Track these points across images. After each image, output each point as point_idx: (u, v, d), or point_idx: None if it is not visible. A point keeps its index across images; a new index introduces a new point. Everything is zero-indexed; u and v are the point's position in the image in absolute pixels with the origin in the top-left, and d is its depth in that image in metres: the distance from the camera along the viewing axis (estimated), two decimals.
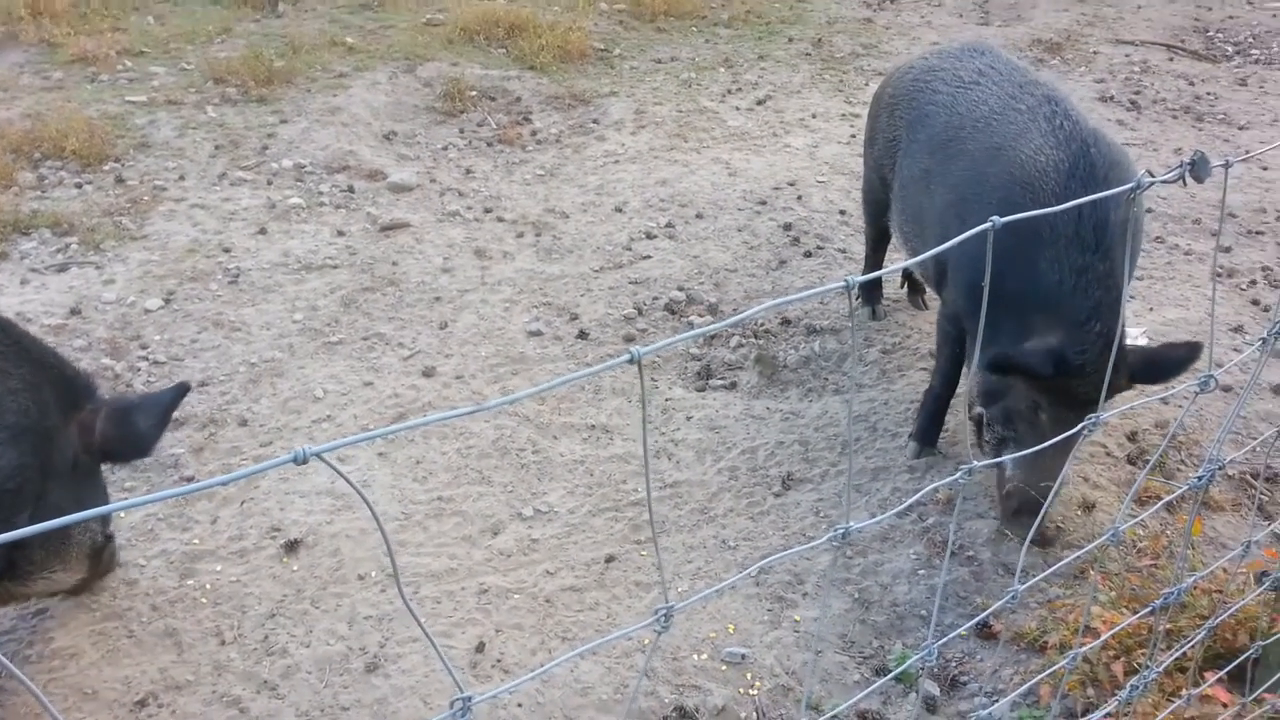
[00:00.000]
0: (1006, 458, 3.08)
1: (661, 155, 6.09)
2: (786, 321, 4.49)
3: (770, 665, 2.88)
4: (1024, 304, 3.01)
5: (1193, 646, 2.22)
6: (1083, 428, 1.70)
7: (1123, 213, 2.99)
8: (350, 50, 7.15)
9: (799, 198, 5.64)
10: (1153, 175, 1.67)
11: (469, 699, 1.16)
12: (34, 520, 2.42)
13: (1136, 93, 7.33)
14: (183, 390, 2.83)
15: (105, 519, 2.85)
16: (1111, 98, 7.24)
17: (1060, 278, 2.96)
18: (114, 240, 4.85)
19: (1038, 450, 2.99)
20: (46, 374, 2.56)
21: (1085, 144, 3.10)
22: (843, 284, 1.38)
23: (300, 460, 0.96)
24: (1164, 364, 2.98)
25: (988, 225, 1.45)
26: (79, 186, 5.29)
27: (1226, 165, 1.73)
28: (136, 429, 2.66)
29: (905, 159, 3.72)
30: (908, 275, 4.53)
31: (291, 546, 3.22)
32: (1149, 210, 5.53)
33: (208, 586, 3.07)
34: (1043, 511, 2.05)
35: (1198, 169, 1.70)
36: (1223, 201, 1.56)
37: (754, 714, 2.74)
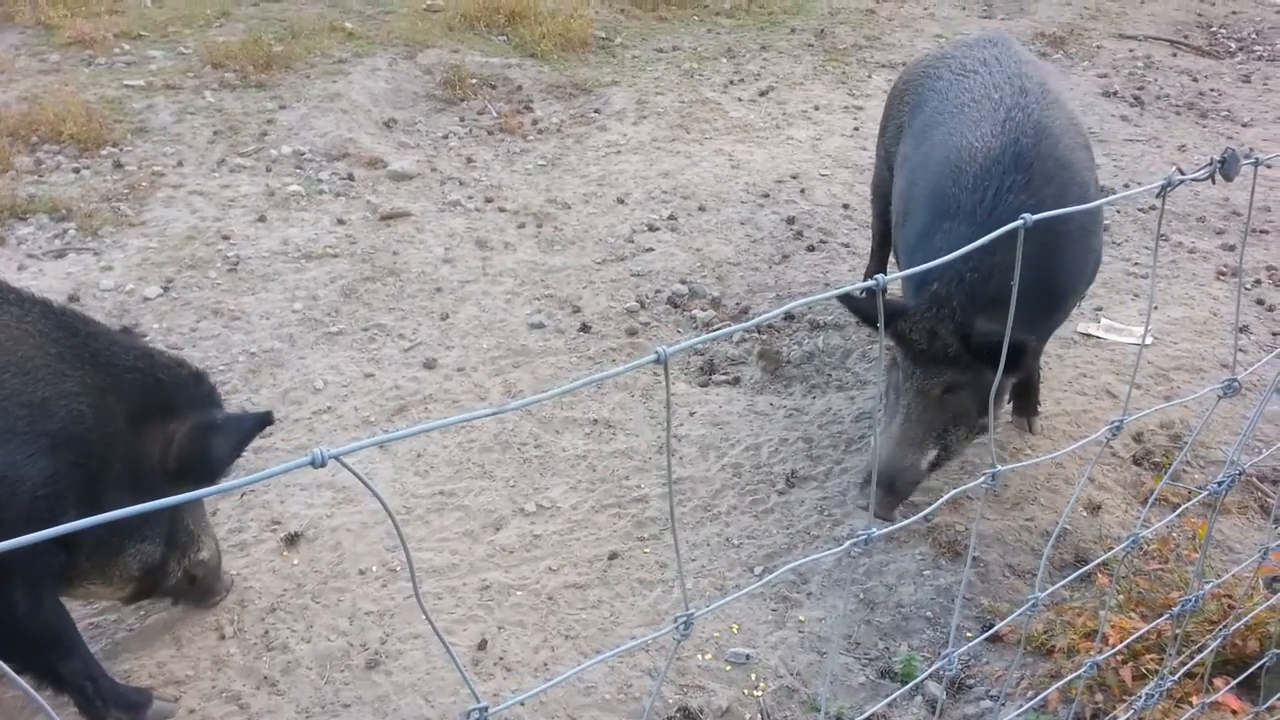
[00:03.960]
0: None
1: (664, 146, 6.05)
2: (790, 317, 4.45)
3: (775, 666, 2.85)
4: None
5: (1206, 653, 2.19)
6: (1100, 436, 1.67)
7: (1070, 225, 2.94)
8: (350, 36, 7.08)
9: (802, 191, 5.60)
10: (1183, 173, 1.64)
11: (485, 709, 1.13)
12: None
13: (1140, 88, 7.30)
14: (265, 420, 2.64)
15: (171, 540, 2.59)
16: (1115, 93, 7.20)
17: (942, 245, 2.99)
18: (112, 226, 4.79)
19: (890, 418, 3.10)
20: (119, 379, 2.39)
21: (1020, 135, 3.09)
22: (872, 284, 1.36)
23: (319, 463, 0.93)
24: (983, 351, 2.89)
25: (1019, 223, 1.42)
26: (76, 171, 5.23)
27: (1256, 163, 1.70)
28: (211, 454, 2.48)
29: (902, 144, 3.73)
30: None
31: (292, 540, 3.18)
32: (1150, 208, 5.51)
33: None
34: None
35: (1228, 166, 1.67)
36: (1250, 199, 1.53)
37: (759, 715, 2.71)
